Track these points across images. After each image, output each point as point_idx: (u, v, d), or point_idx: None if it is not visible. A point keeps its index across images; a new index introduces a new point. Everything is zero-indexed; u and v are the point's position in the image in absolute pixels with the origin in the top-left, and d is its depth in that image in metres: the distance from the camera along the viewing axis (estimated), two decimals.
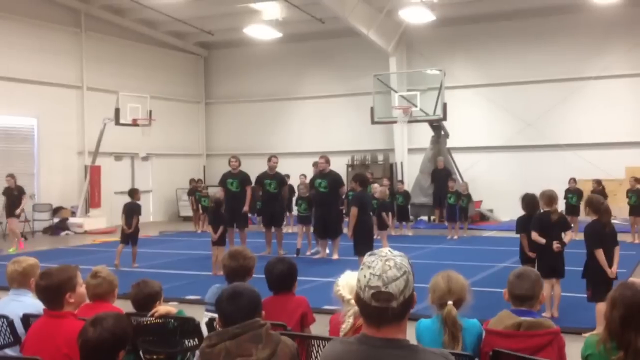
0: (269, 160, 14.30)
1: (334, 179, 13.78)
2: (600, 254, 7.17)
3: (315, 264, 12.56)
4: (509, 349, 3.49)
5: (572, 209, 16.37)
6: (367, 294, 2.25)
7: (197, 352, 3.13)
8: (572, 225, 11.72)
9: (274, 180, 14.20)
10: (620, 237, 8.09)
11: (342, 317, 3.93)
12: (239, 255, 4.89)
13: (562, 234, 7.95)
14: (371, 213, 12.23)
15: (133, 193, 13.40)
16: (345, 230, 12.65)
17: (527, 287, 3.83)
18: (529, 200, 8.51)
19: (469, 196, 17.75)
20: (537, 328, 3.64)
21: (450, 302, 3.73)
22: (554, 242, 7.79)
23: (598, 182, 17.00)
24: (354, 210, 11.33)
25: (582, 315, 7.59)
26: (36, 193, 20.55)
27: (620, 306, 3.43)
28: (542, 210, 8.13)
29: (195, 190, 20.66)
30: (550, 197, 8.05)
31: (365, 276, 2.27)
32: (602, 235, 7.27)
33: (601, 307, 4.05)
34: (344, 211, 17.55)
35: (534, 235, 7.90)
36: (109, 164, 22.61)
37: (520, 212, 8.64)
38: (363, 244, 10.71)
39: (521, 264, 8.01)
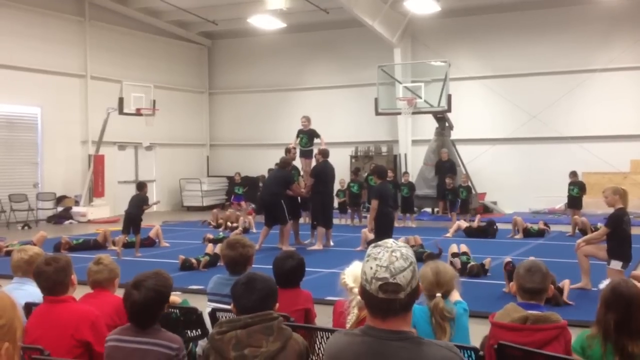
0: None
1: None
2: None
3: (319, 255, 12.56)
4: (515, 343, 3.46)
5: (574, 201, 16.29)
6: (374, 286, 2.21)
7: (206, 339, 3.14)
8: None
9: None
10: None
11: (346, 307, 3.91)
12: (238, 244, 4.86)
13: None
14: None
15: (142, 186, 13.42)
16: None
17: (538, 281, 3.79)
18: None
19: (468, 188, 17.71)
20: (543, 322, 3.61)
21: (438, 295, 3.78)
22: None
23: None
24: (374, 203, 11.35)
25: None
26: (40, 182, 20.57)
27: (614, 309, 3.39)
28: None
29: None
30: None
31: (371, 268, 2.23)
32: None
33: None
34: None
35: None
36: (112, 154, 22.57)
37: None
38: (384, 235, 10.66)
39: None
